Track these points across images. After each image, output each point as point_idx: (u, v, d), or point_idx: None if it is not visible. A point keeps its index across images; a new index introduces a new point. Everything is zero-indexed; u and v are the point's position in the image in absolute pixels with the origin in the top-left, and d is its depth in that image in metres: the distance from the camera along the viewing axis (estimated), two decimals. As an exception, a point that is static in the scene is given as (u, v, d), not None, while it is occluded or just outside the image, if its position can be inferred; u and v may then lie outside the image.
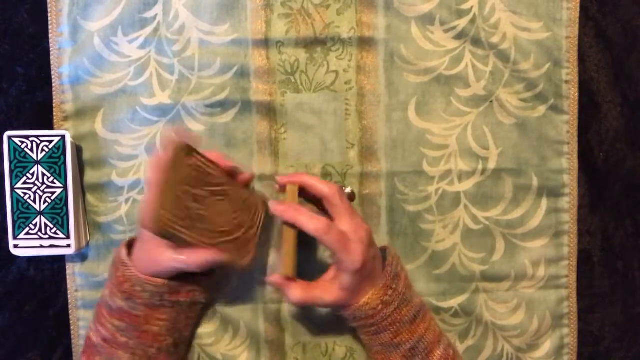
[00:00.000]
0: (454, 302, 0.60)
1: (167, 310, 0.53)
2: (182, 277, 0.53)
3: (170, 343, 0.54)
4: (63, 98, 0.58)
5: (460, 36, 0.58)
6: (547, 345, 0.61)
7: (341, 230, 0.50)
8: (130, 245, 0.54)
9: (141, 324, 0.52)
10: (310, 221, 0.49)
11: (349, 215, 0.51)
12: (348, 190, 0.58)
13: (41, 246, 0.56)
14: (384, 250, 0.55)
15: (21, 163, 0.55)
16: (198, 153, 0.50)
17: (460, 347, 0.60)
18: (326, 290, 0.51)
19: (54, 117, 0.58)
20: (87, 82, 0.58)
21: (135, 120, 0.58)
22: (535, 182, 0.59)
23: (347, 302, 0.51)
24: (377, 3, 0.58)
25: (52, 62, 0.58)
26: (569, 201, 0.60)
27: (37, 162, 0.55)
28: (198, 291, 0.55)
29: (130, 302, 0.51)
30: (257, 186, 0.59)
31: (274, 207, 0.51)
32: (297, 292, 0.51)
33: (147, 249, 0.51)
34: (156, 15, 0.58)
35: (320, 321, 0.59)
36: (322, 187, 0.51)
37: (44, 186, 0.55)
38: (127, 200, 0.59)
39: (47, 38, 0.58)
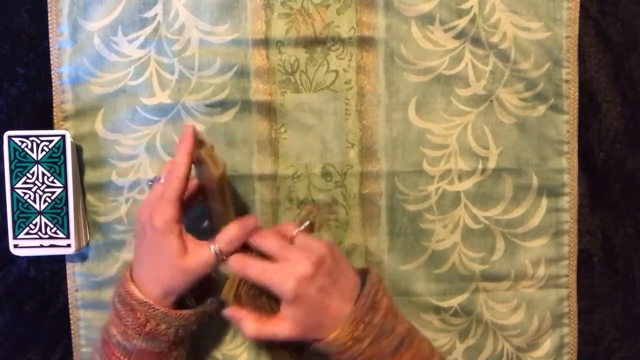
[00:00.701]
0: (454, 302, 0.60)
1: (187, 339, 0.51)
2: (197, 297, 0.51)
3: None
4: (63, 98, 0.58)
5: (460, 36, 0.58)
6: (547, 345, 0.61)
7: (263, 263, 0.48)
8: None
9: (163, 357, 0.49)
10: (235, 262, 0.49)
11: (289, 252, 0.49)
12: (306, 224, 0.53)
13: (41, 246, 0.56)
14: (365, 274, 0.51)
15: (21, 163, 0.55)
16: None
17: (460, 347, 0.60)
18: (278, 325, 0.48)
19: (54, 117, 0.58)
20: (87, 82, 0.58)
21: (135, 120, 0.58)
22: (535, 181, 0.59)
23: (305, 337, 0.48)
24: (377, 3, 0.58)
25: (52, 62, 0.58)
26: (569, 201, 0.60)
27: (37, 162, 0.55)
28: (211, 311, 0.53)
29: (154, 342, 0.48)
30: (257, 186, 0.59)
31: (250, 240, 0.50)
32: (250, 325, 0.49)
33: (169, 255, 0.48)
34: (156, 15, 0.58)
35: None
36: (260, 245, 0.49)
37: (44, 186, 0.55)
38: (127, 200, 0.59)
39: (47, 38, 0.58)
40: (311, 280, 0.47)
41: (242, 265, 0.49)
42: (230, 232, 0.49)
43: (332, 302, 0.48)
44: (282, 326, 0.48)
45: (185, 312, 0.49)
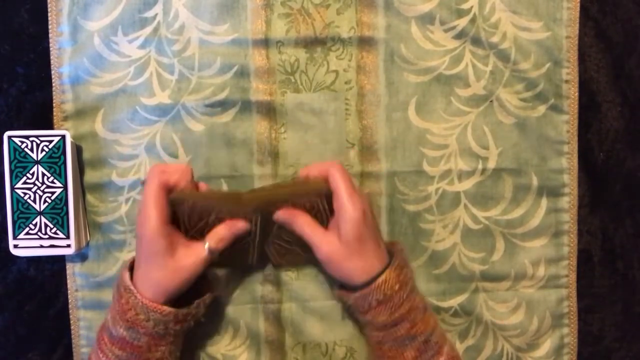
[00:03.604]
0: (454, 302, 0.60)
1: (169, 338, 0.51)
2: (183, 302, 0.51)
3: None
4: (63, 98, 0.58)
5: (460, 36, 0.58)
6: (547, 345, 0.61)
7: (351, 181, 0.51)
8: (131, 267, 0.52)
9: (143, 353, 0.50)
10: (327, 163, 0.52)
11: (349, 188, 0.51)
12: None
13: (41, 246, 0.56)
14: (392, 244, 0.54)
15: (21, 163, 0.55)
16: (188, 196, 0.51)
17: (460, 347, 0.60)
18: (325, 238, 0.51)
19: (54, 117, 0.58)
20: (87, 82, 0.58)
21: (135, 120, 0.58)
22: (535, 181, 0.59)
23: (345, 260, 0.50)
24: (377, 3, 0.58)
25: (52, 62, 0.58)
26: (569, 201, 0.60)
27: (37, 162, 0.55)
28: (197, 315, 0.52)
29: (132, 331, 0.49)
30: (257, 185, 0.59)
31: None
32: (303, 219, 0.52)
33: (157, 255, 0.49)
34: (156, 15, 0.58)
35: (320, 321, 0.59)
36: (322, 165, 0.52)
37: (44, 186, 0.55)
38: (127, 200, 0.59)
39: (47, 38, 0.58)
40: (369, 213, 0.51)
41: (290, 215, 0.52)
42: (220, 232, 0.51)
43: (375, 244, 0.51)
44: (328, 241, 0.51)
45: (164, 308, 0.49)
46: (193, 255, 0.50)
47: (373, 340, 0.52)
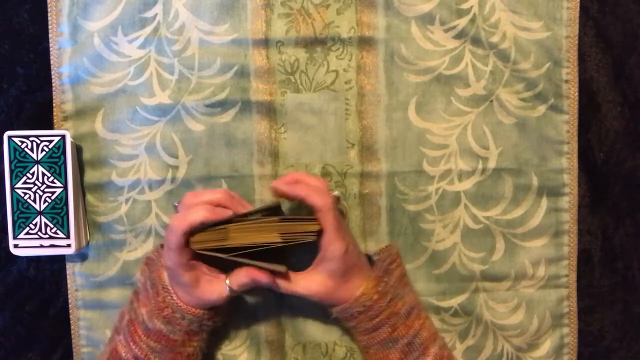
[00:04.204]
0: (454, 302, 0.60)
1: (203, 335, 0.54)
2: None
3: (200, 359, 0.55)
4: (63, 98, 0.58)
5: (460, 36, 0.58)
6: (547, 345, 0.61)
7: (338, 215, 0.52)
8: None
9: (177, 347, 0.52)
10: (319, 196, 0.51)
11: (335, 227, 0.51)
12: (335, 193, 0.57)
13: (41, 246, 0.56)
14: (383, 250, 0.57)
15: (21, 163, 0.55)
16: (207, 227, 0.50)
17: (460, 347, 0.60)
18: (312, 280, 0.52)
19: (54, 117, 0.58)
20: (87, 82, 0.58)
21: (135, 120, 0.58)
22: (535, 181, 0.59)
23: (334, 292, 0.52)
24: (377, 3, 0.58)
25: (52, 62, 0.58)
26: (569, 201, 0.60)
27: (37, 162, 0.55)
28: (226, 311, 0.56)
29: (170, 326, 0.52)
30: (257, 186, 0.59)
31: (274, 184, 0.53)
32: (282, 283, 0.52)
33: (183, 285, 0.51)
34: (156, 15, 0.58)
35: (320, 321, 0.59)
36: (316, 200, 0.51)
37: (44, 186, 0.55)
38: (127, 200, 0.59)
39: (47, 38, 0.58)
40: (352, 243, 0.53)
41: (331, 207, 0.51)
42: (242, 279, 0.51)
43: (361, 262, 0.53)
44: (316, 281, 0.52)
45: (198, 310, 0.52)
46: (216, 292, 0.52)
47: (360, 344, 0.55)
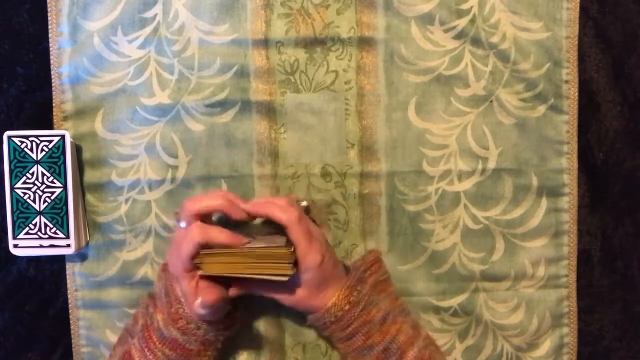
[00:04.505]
0: (454, 302, 0.60)
1: (218, 345, 0.54)
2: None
3: None
4: (63, 98, 0.58)
5: (460, 36, 0.58)
6: (547, 345, 0.61)
7: (308, 226, 0.52)
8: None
9: (192, 357, 0.52)
10: (283, 212, 0.50)
11: (307, 240, 0.51)
12: (304, 204, 0.58)
13: (41, 246, 0.56)
14: (363, 257, 0.57)
15: (21, 163, 0.55)
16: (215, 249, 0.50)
17: (460, 347, 0.60)
18: (287, 290, 0.52)
19: (54, 117, 0.58)
20: (87, 82, 0.58)
21: (135, 120, 0.58)
22: (535, 182, 0.59)
23: (309, 302, 0.52)
24: (377, 3, 0.58)
25: (52, 62, 0.58)
26: (569, 201, 0.60)
27: (37, 162, 0.55)
28: (243, 317, 0.57)
29: (186, 337, 0.51)
30: (257, 186, 0.59)
31: (243, 207, 0.52)
32: (259, 286, 0.53)
33: (187, 302, 0.51)
34: (156, 15, 0.58)
35: (320, 321, 0.59)
36: (281, 217, 0.51)
37: (44, 186, 0.55)
38: (127, 200, 0.59)
39: (47, 38, 0.58)
40: (327, 251, 0.52)
41: (297, 221, 0.51)
42: (209, 297, 0.50)
43: (337, 272, 0.53)
44: (291, 291, 0.52)
45: (211, 320, 0.51)
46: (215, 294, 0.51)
47: (339, 352, 0.55)
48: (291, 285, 0.52)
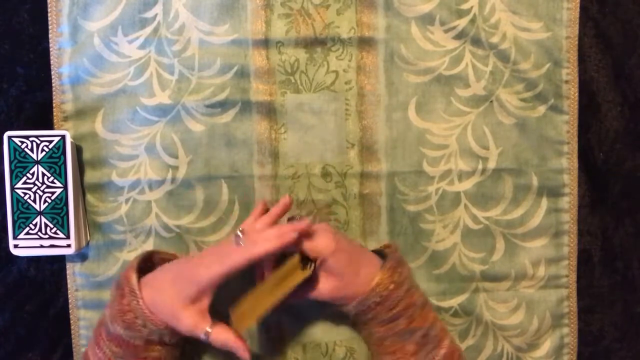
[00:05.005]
0: (454, 302, 0.60)
1: (164, 346, 0.52)
2: None
3: None
4: (63, 98, 0.58)
5: (460, 36, 0.58)
6: (547, 345, 0.61)
7: (301, 222, 0.51)
8: (139, 269, 0.52)
9: (140, 352, 0.50)
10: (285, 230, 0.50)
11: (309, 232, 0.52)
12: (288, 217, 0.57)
13: (41, 246, 0.56)
14: (386, 246, 0.57)
15: (21, 163, 0.55)
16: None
17: (460, 347, 0.60)
18: (317, 286, 0.52)
19: (54, 117, 0.58)
20: (87, 82, 0.58)
21: (135, 120, 0.58)
22: (535, 182, 0.59)
23: (343, 289, 0.52)
24: (377, 3, 0.58)
25: (52, 62, 0.58)
26: (569, 201, 0.60)
27: (37, 162, 0.55)
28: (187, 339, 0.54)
29: (130, 332, 0.50)
30: (257, 186, 0.59)
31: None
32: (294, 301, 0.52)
33: (164, 300, 0.50)
34: (156, 15, 0.58)
35: (320, 321, 0.59)
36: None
37: (44, 186, 0.55)
38: (127, 200, 0.59)
39: (47, 38, 0.58)
40: (339, 235, 0.52)
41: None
42: (227, 342, 0.51)
43: (362, 256, 0.53)
44: (323, 283, 0.52)
45: (163, 323, 0.50)
46: (194, 329, 0.50)
47: (375, 336, 0.53)
48: (318, 279, 0.52)
